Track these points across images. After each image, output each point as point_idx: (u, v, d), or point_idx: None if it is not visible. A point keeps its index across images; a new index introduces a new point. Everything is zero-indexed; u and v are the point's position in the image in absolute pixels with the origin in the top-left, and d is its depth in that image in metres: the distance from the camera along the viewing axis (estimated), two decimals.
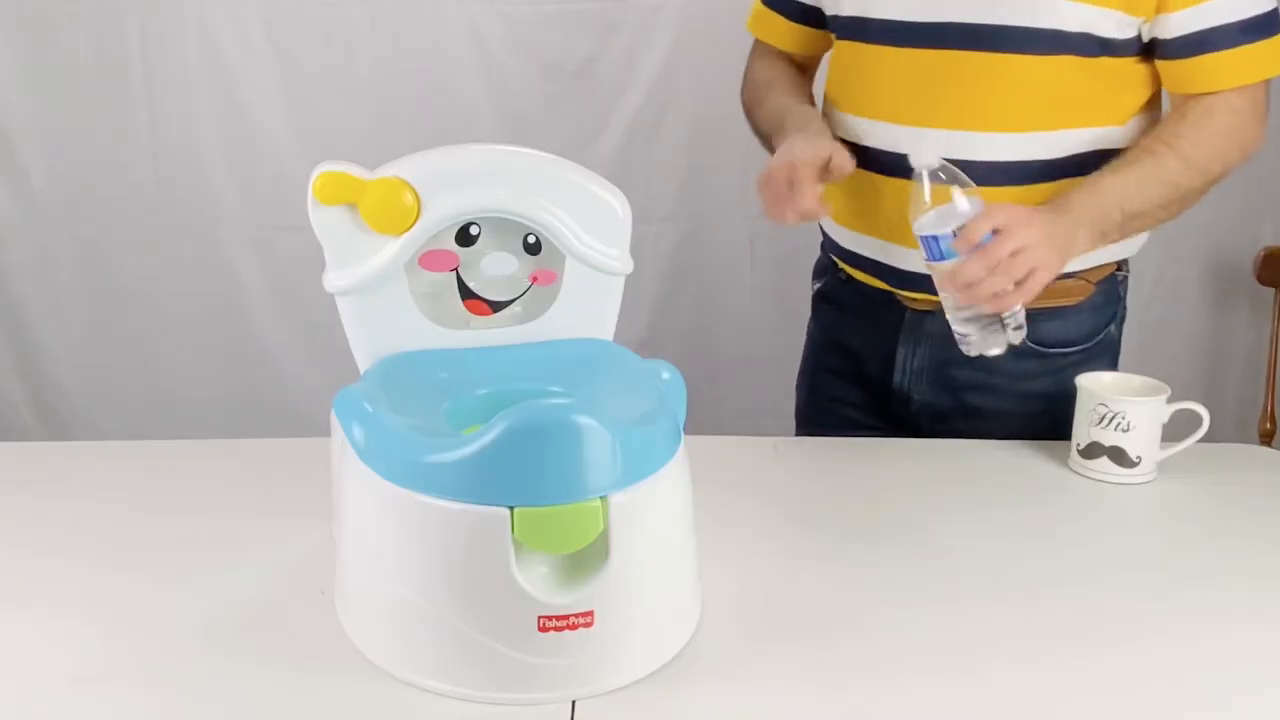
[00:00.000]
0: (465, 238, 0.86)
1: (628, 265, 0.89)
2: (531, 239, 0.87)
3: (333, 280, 0.84)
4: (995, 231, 0.98)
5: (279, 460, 1.11)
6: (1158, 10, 1.06)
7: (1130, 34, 1.08)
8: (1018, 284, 0.99)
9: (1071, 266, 1.14)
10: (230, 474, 1.09)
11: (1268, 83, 1.09)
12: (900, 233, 1.16)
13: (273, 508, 1.00)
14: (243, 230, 1.96)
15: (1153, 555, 0.98)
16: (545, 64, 1.90)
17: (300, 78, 1.89)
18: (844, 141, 1.17)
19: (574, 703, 0.73)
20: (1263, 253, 1.91)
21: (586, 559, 0.73)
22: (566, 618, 0.72)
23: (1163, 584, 0.91)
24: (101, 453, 1.18)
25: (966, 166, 1.07)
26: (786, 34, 1.30)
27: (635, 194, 0.89)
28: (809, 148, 1.12)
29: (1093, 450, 1.09)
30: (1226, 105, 1.09)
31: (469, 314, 0.88)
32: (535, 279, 0.88)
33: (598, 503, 0.71)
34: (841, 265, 1.29)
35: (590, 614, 0.72)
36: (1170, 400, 1.09)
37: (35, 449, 1.22)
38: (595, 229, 0.87)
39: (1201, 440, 1.09)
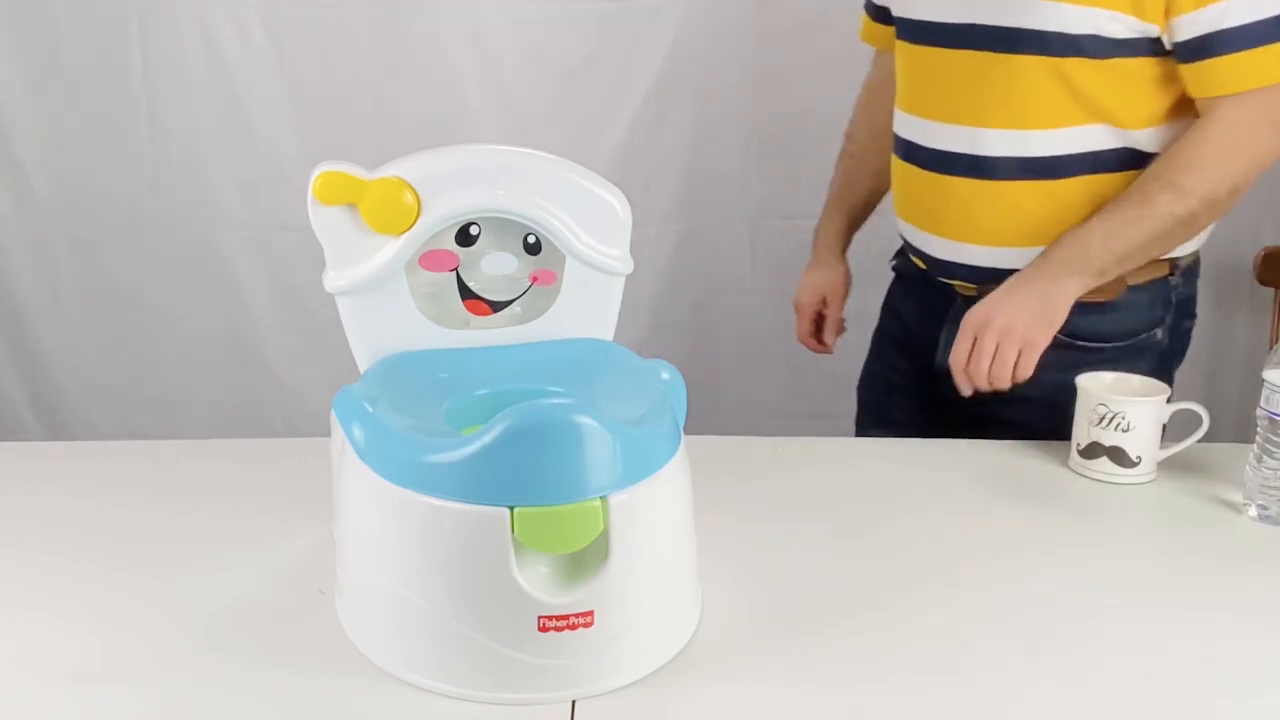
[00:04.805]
0: (465, 238, 0.86)
1: (628, 265, 0.89)
2: (531, 239, 0.87)
3: (333, 280, 0.84)
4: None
5: (279, 460, 1.11)
6: (1168, 14, 1.07)
7: (1143, 36, 1.09)
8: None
9: None
10: (230, 474, 1.09)
11: None
12: (924, 219, 1.25)
13: (273, 508, 1.00)
14: (243, 230, 1.96)
15: (1152, 555, 0.98)
16: (545, 64, 1.90)
17: (300, 78, 1.89)
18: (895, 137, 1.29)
19: (574, 703, 0.73)
20: (1262, 253, 1.91)
21: (586, 559, 0.73)
22: (566, 618, 0.72)
23: (1163, 584, 0.91)
24: (101, 453, 1.18)
25: (986, 162, 1.15)
26: (872, 32, 1.40)
27: (635, 194, 0.89)
28: (809, 290, 1.46)
29: (1093, 450, 1.09)
30: (1226, 119, 1.09)
31: (469, 314, 0.88)
32: (535, 279, 0.88)
33: (598, 503, 0.71)
34: (906, 246, 1.35)
35: (590, 614, 0.72)
36: (1170, 400, 1.09)
37: (35, 449, 1.22)
38: (595, 229, 0.87)
39: (1201, 440, 1.09)
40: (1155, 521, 1.04)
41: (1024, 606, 0.87)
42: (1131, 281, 1.19)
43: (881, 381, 1.43)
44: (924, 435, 1.28)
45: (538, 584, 0.72)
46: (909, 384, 1.36)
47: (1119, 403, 1.07)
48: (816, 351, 1.50)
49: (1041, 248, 1.17)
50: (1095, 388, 1.11)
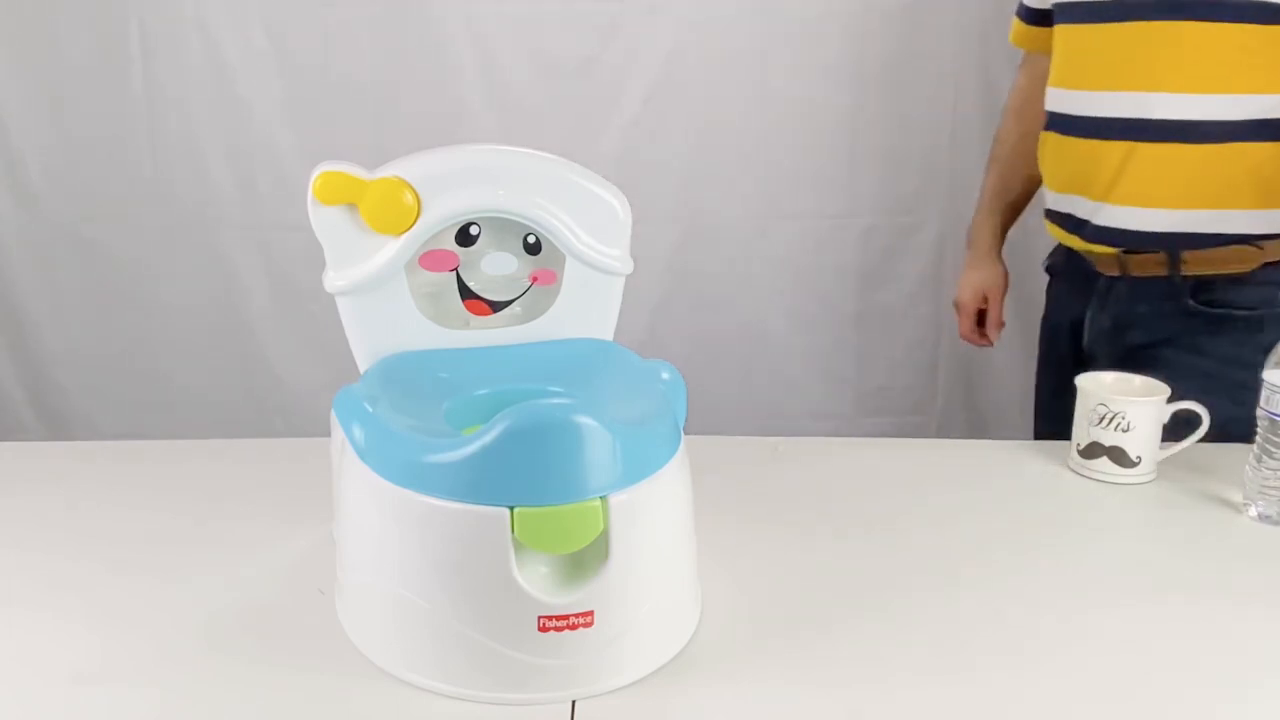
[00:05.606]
0: (465, 238, 0.86)
1: (628, 265, 0.89)
2: (531, 239, 0.87)
3: (333, 280, 0.84)
4: None
5: (279, 460, 1.11)
6: None
7: None
8: None
9: (1245, 229, 1.22)
10: (230, 474, 1.09)
11: None
12: (1075, 184, 1.30)
13: (273, 508, 1.00)
14: (243, 230, 1.96)
15: (1152, 555, 0.98)
16: (545, 64, 1.90)
17: (300, 78, 1.89)
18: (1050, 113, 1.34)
19: (574, 703, 0.73)
20: None
21: (586, 559, 0.73)
22: (566, 618, 0.72)
23: (1162, 584, 0.91)
24: (101, 453, 1.18)
25: (1145, 124, 1.21)
26: (1025, 35, 1.46)
27: (635, 194, 0.89)
28: (969, 289, 1.55)
29: (1093, 450, 1.09)
30: None
31: (469, 314, 0.88)
32: (535, 279, 0.88)
33: (598, 503, 0.71)
34: (1050, 229, 1.39)
35: (590, 614, 0.72)
36: (1170, 400, 1.09)
37: (35, 449, 1.22)
38: (595, 229, 0.87)
39: (1201, 440, 1.09)
40: (1155, 522, 1.04)
41: (1024, 606, 0.87)
42: (1268, 259, 1.22)
43: (1050, 387, 1.48)
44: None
45: (538, 584, 0.72)
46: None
47: (1119, 403, 1.07)
48: (979, 345, 1.59)
49: (1191, 211, 1.22)
50: (1095, 388, 1.11)
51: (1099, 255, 1.32)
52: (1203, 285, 1.25)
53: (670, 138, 1.93)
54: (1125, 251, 1.28)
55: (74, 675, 0.76)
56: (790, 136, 1.94)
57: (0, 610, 0.84)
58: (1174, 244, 1.25)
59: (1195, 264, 1.25)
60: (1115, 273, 1.31)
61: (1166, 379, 1.11)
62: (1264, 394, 1.00)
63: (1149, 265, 1.27)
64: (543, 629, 0.72)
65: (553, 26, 1.88)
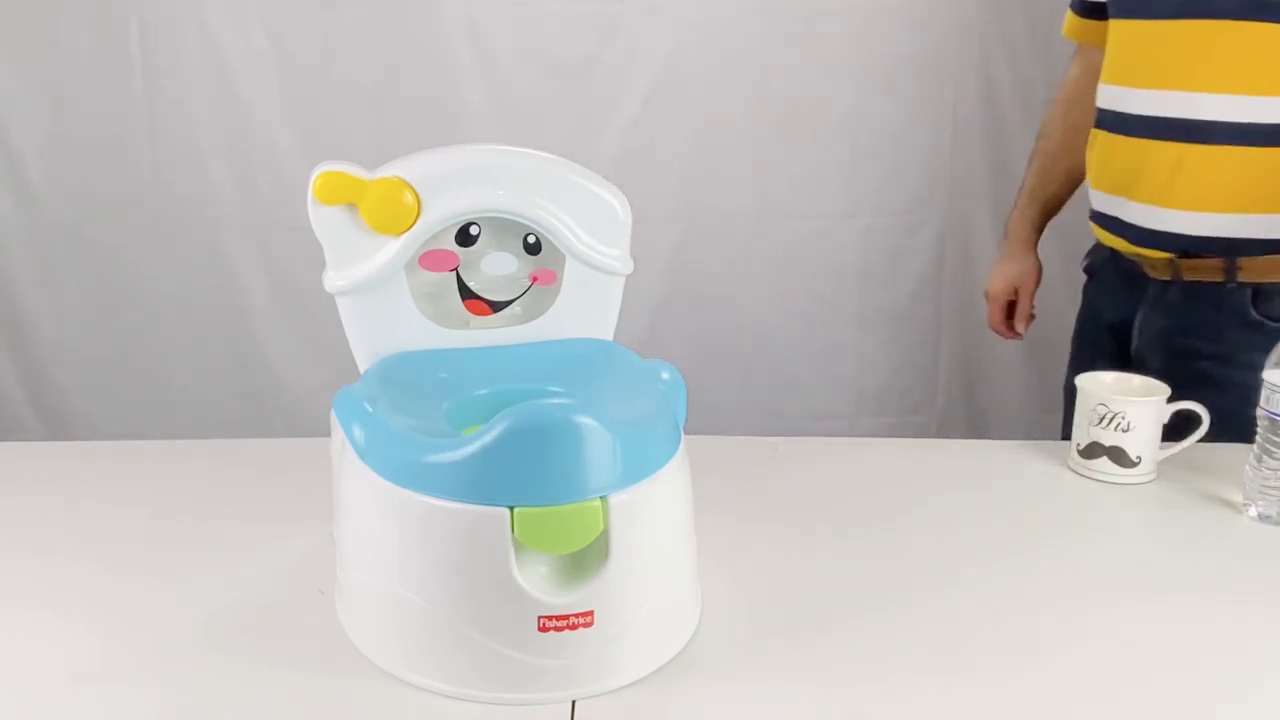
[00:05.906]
0: (465, 238, 0.86)
1: (628, 265, 0.89)
2: (531, 239, 0.87)
3: (333, 280, 0.84)
4: None
5: (279, 460, 1.11)
6: None
7: None
8: None
9: None
10: (230, 474, 1.09)
11: None
12: (1124, 186, 1.28)
13: (273, 508, 1.00)
14: (243, 230, 1.96)
15: (1152, 555, 0.98)
16: (545, 64, 1.90)
17: (300, 78, 1.89)
18: (1102, 110, 1.31)
19: (574, 703, 0.73)
20: None
21: (586, 559, 0.73)
22: (566, 618, 0.72)
23: (1162, 584, 0.91)
24: (101, 453, 1.18)
25: (1199, 125, 1.19)
26: (1078, 27, 1.45)
27: (635, 194, 0.89)
28: (1001, 280, 1.54)
29: (1093, 450, 1.09)
30: None
31: (469, 314, 0.88)
32: (535, 279, 0.88)
33: (598, 503, 0.71)
34: (1096, 232, 1.37)
35: (590, 614, 0.72)
36: (1170, 400, 1.09)
37: (35, 449, 1.22)
38: (595, 229, 0.87)
39: (1201, 440, 1.09)
40: (1155, 522, 1.04)
41: (1024, 606, 0.87)
42: None
43: None
44: None
45: (538, 584, 0.72)
46: None
47: (1119, 403, 1.07)
48: (1007, 338, 1.59)
49: (1247, 215, 1.20)
50: (1095, 388, 1.10)
51: (1150, 259, 1.29)
52: (1262, 295, 1.22)
53: (670, 138, 1.93)
54: (1179, 256, 1.26)
55: (74, 675, 0.76)
56: (790, 136, 1.94)
57: (0, 610, 0.84)
58: (1230, 249, 1.22)
59: (1252, 271, 1.22)
60: (1167, 277, 1.28)
61: (1228, 401, 1.09)
62: (1264, 394, 1.00)
63: (1203, 271, 1.25)
64: (543, 629, 0.72)
65: (553, 26, 1.88)
